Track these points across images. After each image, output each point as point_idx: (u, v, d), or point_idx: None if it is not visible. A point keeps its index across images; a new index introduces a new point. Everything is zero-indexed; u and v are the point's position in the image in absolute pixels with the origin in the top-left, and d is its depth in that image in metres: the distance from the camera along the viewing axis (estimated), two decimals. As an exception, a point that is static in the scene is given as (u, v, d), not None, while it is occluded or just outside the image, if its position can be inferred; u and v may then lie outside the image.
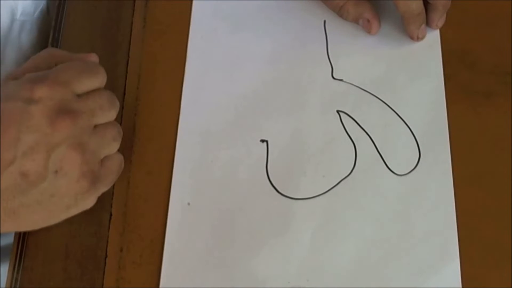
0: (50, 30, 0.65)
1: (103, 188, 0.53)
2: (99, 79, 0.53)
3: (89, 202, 0.52)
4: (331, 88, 0.62)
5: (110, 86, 0.62)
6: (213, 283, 0.54)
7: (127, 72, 0.63)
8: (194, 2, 0.66)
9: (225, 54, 0.64)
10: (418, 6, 0.61)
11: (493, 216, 0.56)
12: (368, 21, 0.63)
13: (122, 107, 0.61)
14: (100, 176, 0.52)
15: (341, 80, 0.62)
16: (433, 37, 0.64)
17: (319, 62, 0.63)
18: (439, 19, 0.63)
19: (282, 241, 0.55)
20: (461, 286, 0.53)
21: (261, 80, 0.62)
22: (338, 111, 0.61)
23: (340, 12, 0.64)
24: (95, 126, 0.52)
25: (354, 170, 0.58)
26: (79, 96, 0.51)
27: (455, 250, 0.55)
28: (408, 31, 0.63)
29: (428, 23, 0.63)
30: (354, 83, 0.62)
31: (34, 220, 0.51)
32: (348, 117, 0.61)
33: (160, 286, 0.54)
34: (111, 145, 0.53)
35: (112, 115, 0.53)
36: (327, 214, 0.56)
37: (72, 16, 0.66)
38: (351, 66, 0.63)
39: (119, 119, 0.60)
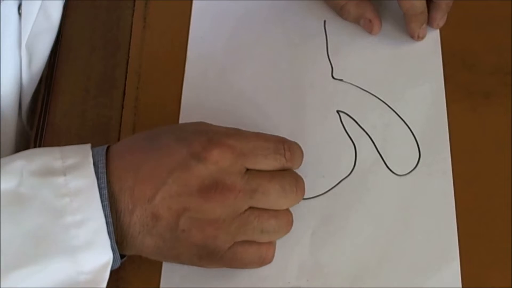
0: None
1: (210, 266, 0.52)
2: (277, 162, 0.51)
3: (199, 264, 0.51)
4: (331, 88, 0.62)
5: (110, 86, 0.62)
6: (213, 283, 0.54)
7: (127, 72, 0.63)
8: (194, 2, 0.66)
9: (225, 54, 0.64)
10: (421, 4, 0.61)
11: (493, 216, 0.56)
12: (370, 21, 0.63)
13: (122, 107, 0.61)
14: (214, 257, 0.50)
15: (341, 80, 0.62)
16: (433, 37, 0.64)
17: (319, 62, 0.63)
18: (441, 18, 0.63)
19: (282, 241, 0.55)
20: (461, 286, 0.53)
21: (261, 80, 0.62)
22: (338, 111, 0.61)
23: (341, 12, 0.64)
24: (258, 209, 0.49)
25: (354, 170, 0.58)
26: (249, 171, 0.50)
27: (455, 250, 0.55)
28: (410, 29, 0.63)
29: (429, 22, 0.63)
30: (354, 83, 0.62)
31: (153, 254, 0.51)
32: (348, 117, 0.61)
33: (160, 286, 0.54)
34: (255, 237, 0.50)
35: (280, 203, 0.50)
36: (327, 214, 0.56)
37: (72, 16, 0.66)
38: (351, 66, 0.63)
39: (119, 119, 0.60)
